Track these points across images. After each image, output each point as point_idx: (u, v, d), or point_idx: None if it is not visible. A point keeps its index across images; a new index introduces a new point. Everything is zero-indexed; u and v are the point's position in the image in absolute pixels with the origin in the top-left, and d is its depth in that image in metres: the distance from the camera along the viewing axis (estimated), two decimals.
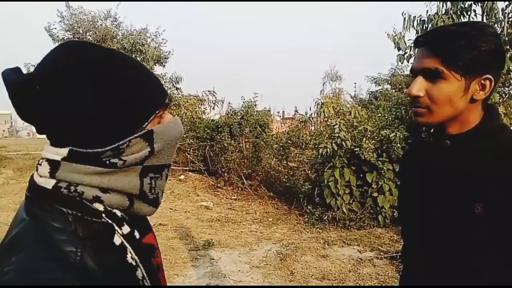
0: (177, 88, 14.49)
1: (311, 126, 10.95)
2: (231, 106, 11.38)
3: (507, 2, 5.81)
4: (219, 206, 7.98)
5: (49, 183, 0.72)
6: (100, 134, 0.72)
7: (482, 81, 1.05)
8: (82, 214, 0.71)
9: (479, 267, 1.02)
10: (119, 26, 17.15)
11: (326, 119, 7.59)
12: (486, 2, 5.77)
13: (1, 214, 6.99)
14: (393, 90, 14.34)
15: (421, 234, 1.17)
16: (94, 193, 0.73)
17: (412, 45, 6.43)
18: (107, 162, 0.73)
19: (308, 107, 17.98)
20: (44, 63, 0.72)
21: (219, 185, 9.34)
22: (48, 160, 0.73)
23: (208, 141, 10.55)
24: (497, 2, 5.81)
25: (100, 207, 0.74)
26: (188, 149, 10.78)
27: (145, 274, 0.77)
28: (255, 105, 10.81)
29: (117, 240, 0.74)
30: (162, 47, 16.59)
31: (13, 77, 0.69)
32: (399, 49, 6.43)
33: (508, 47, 5.54)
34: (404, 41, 6.40)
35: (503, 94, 6.25)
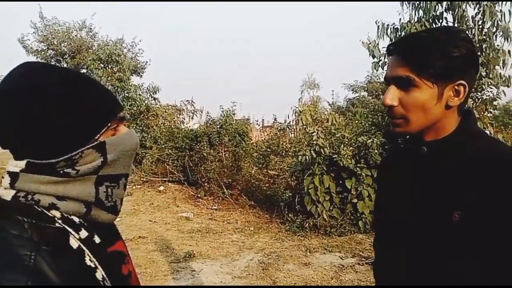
0: (154, 98, 14.36)
1: (291, 133, 11.02)
2: (209, 116, 11.37)
3: (476, 10, 5.98)
4: (200, 216, 7.91)
5: (9, 194, 0.79)
6: (54, 146, 0.79)
7: (456, 87, 1.04)
8: (36, 221, 0.77)
9: (456, 273, 1.01)
10: (94, 37, 16.98)
11: (304, 126, 7.64)
12: (457, 9, 5.93)
13: None
14: (370, 97, 14.59)
15: (397, 241, 1.15)
16: (50, 200, 0.79)
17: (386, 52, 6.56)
18: (61, 171, 0.79)
19: (287, 116, 18.10)
20: (3, 82, 0.80)
21: (199, 195, 9.26)
22: (9, 172, 0.81)
23: (187, 151, 10.48)
24: (467, 9, 5.98)
25: (56, 213, 0.79)
26: (167, 160, 10.68)
27: (105, 276, 0.81)
28: (234, 114, 10.81)
29: (74, 244, 0.79)
30: (139, 57, 16.50)
31: None
32: (373, 56, 6.55)
33: (478, 53, 5.70)
34: (379, 49, 6.51)
35: (476, 99, 6.40)
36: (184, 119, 14.08)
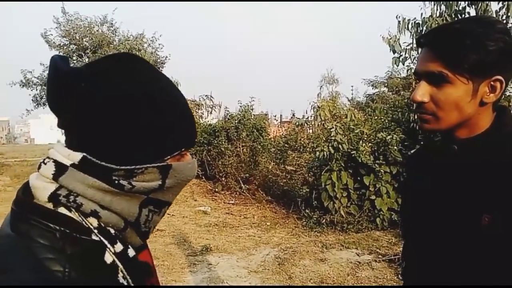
0: None
1: (309, 129, 10.97)
2: (228, 111, 11.40)
3: (500, 4, 5.84)
4: (217, 211, 7.97)
5: (47, 188, 0.69)
6: (120, 151, 0.70)
7: (492, 83, 0.96)
8: (70, 230, 0.67)
9: (482, 275, 0.96)
10: (115, 32, 17.13)
11: (323, 122, 7.59)
12: (480, 4, 5.80)
13: None
14: (390, 93, 14.41)
15: (425, 243, 1.10)
16: (93, 207, 0.70)
17: (407, 48, 6.47)
18: (116, 181, 0.70)
19: (305, 111, 18.03)
20: (96, 65, 0.74)
21: (216, 189, 9.32)
22: (56, 161, 0.71)
23: (205, 145, 10.54)
24: (491, 4, 5.84)
25: (94, 222, 0.70)
26: None
27: None
28: (252, 109, 10.81)
29: (108, 258, 0.70)
30: (159, 52, 16.61)
31: (62, 65, 0.70)
32: (394, 52, 6.46)
33: None
34: (399, 44, 6.42)
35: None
36: (203, 113, 14.14)
